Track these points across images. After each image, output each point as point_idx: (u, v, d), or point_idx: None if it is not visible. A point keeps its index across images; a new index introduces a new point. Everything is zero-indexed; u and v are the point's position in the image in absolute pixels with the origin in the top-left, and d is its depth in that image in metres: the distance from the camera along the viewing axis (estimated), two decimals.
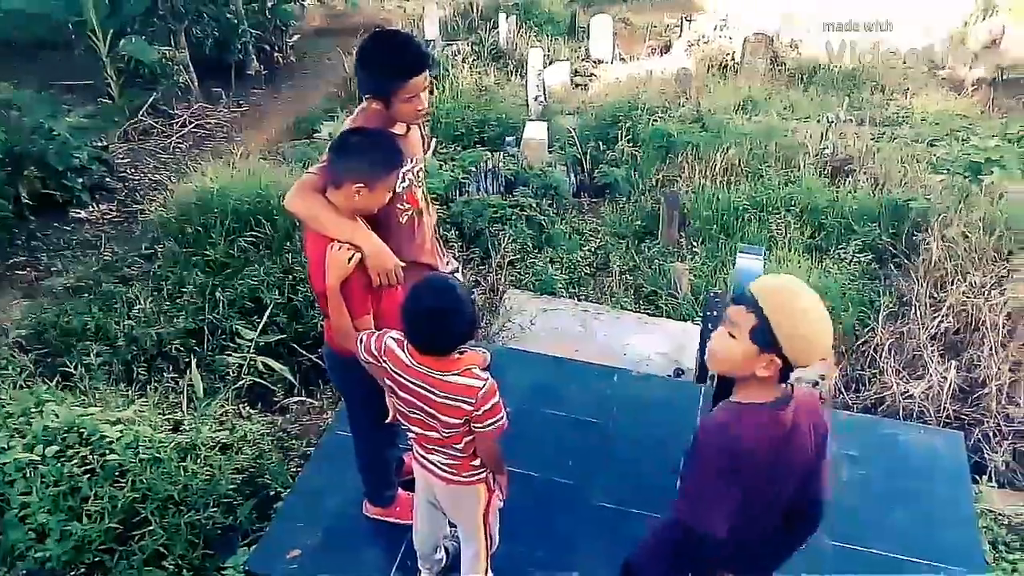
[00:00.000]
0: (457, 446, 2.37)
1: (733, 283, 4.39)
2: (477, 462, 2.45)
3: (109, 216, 7.05)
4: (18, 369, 4.60)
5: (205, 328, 5.04)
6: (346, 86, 9.89)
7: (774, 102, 9.34)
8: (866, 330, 5.15)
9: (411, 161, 2.79)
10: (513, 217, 6.46)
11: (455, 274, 3.25)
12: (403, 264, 2.59)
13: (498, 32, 11.37)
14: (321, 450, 3.70)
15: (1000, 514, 3.66)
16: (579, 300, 5.68)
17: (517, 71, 10.25)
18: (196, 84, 9.36)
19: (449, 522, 2.81)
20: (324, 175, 2.51)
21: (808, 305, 1.79)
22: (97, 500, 3.39)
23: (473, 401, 2.23)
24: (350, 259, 2.42)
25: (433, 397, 2.26)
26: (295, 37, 11.32)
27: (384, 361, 2.33)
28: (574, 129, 8.15)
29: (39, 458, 3.45)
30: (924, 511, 3.30)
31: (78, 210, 6.96)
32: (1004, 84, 10.11)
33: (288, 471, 3.78)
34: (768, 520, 2.01)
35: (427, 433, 2.38)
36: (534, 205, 6.66)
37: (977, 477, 3.86)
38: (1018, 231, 5.69)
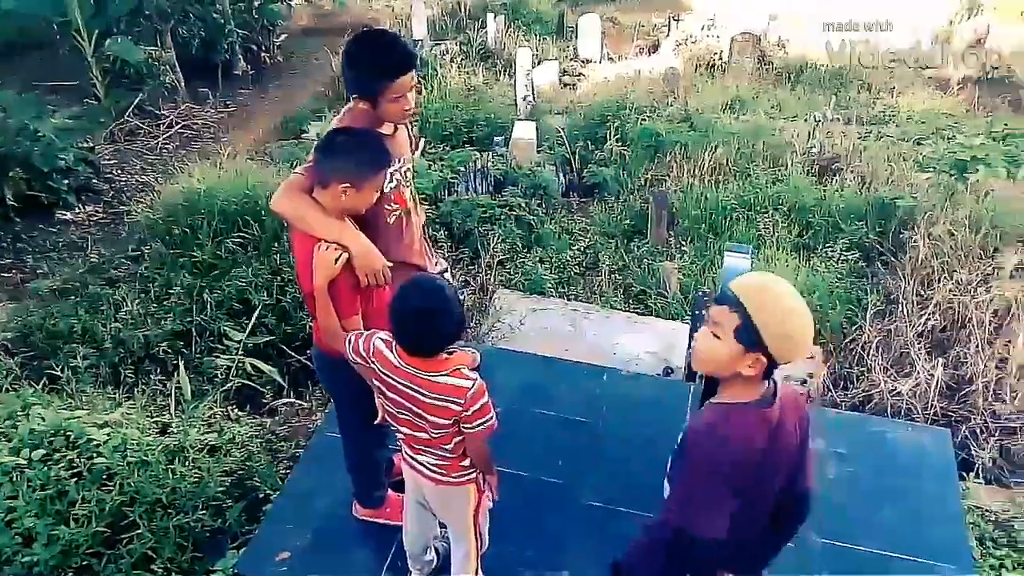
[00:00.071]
0: (446, 447, 2.37)
1: (721, 282, 4.40)
2: (467, 462, 2.45)
3: (95, 218, 7.01)
4: (4, 372, 4.56)
5: (193, 330, 5.01)
6: (334, 86, 9.85)
7: (761, 101, 9.37)
8: (854, 328, 5.18)
9: (398, 161, 2.79)
10: (502, 217, 6.46)
11: (444, 274, 3.25)
12: (391, 264, 2.58)
13: (486, 32, 11.35)
14: (310, 452, 3.69)
15: (987, 510, 3.68)
16: (568, 300, 5.68)
17: (505, 71, 10.24)
18: (183, 84, 9.30)
19: (439, 523, 2.80)
20: (311, 175, 2.50)
21: (790, 303, 1.80)
22: (85, 504, 3.37)
23: (462, 401, 2.23)
24: (337, 259, 2.41)
25: (422, 398, 2.26)
26: (282, 37, 11.26)
27: (372, 362, 2.32)
28: (563, 129, 8.15)
29: (25, 462, 3.42)
30: (912, 508, 3.32)
31: (64, 212, 6.91)
32: (989, 83, 10.18)
33: (277, 473, 3.77)
34: (760, 516, 2.02)
35: (416, 434, 2.38)
36: (523, 205, 6.66)
37: (964, 474, 3.88)
38: (1003, 228, 5.73)
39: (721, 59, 10.88)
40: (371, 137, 2.53)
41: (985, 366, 4.62)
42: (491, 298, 5.54)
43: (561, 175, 7.52)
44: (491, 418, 2.30)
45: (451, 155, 7.37)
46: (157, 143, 8.45)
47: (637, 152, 7.66)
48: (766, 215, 6.47)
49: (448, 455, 2.40)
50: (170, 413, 4.17)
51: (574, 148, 7.73)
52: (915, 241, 5.72)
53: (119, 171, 7.84)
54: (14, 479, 3.38)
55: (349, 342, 2.39)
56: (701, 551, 1.86)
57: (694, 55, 11.06)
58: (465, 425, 2.29)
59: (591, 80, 10.57)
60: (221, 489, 3.63)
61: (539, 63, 10.29)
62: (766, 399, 1.88)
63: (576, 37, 11.69)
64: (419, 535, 2.83)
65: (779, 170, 7.21)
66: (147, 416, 4.11)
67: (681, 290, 5.71)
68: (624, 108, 8.26)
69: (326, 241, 2.42)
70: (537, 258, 6.20)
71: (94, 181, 7.39)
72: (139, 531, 3.36)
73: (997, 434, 4.34)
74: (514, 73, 9.35)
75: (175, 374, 4.43)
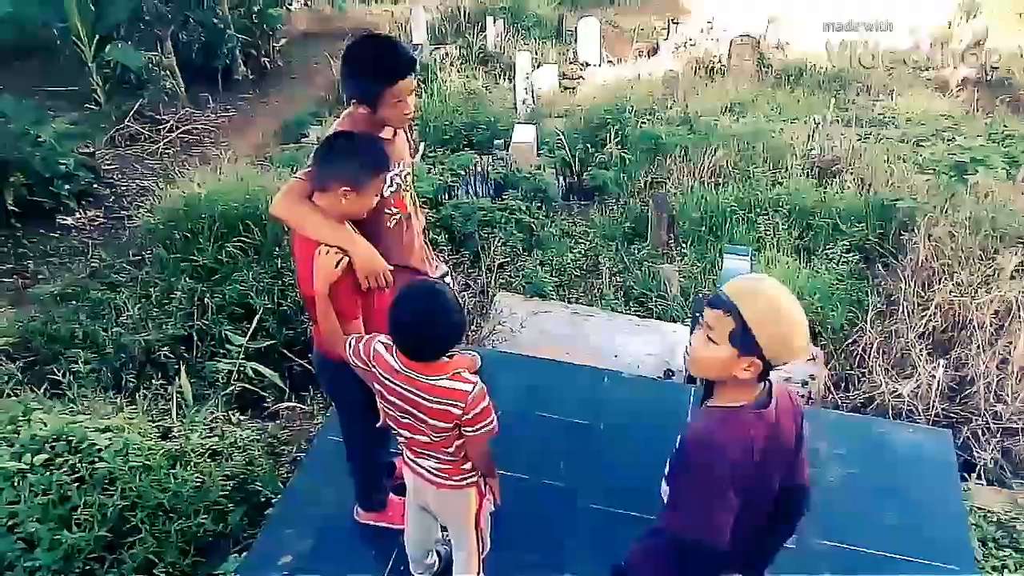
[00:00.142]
0: (447, 450, 2.37)
1: (721, 284, 4.40)
2: (468, 466, 2.44)
3: (96, 223, 7.02)
4: (5, 377, 4.56)
5: (194, 334, 5.01)
6: (333, 90, 9.88)
7: (761, 104, 9.40)
8: (854, 330, 5.18)
9: (398, 165, 2.79)
10: (503, 220, 6.46)
11: (445, 278, 3.25)
12: (391, 268, 2.59)
13: (486, 35, 11.38)
14: (312, 456, 3.69)
15: (989, 511, 3.68)
16: (569, 302, 5.68)
17: (505, 74, 10.27)
18: (183, 89, 9.33)
19: (441, 526, 2.80)
20: (310, 180, 2.50)
21: (785, 305, 1.79)
22: (87, 508, 3.36)
23: (463, 405, 2.23)
24: (338, 263, 2.41)
25: (423, 401, 2.26)
26: (282, 41, 11.30)
27: (373, 366, 2.32)
28: (563, 132, 8.17)
29: (27, 467, 3.42)
30: (914, 510, 3.31)
31: (65, 217, 6.93)
32: (988, 85, 10.20)
33: (279, 477, 3.76)
34: (759, 516, 2.02)
35: (417, 437, 2.37)
36: (523, 208, 6.67)
37: (966, 475, 3.88)
38: (1003, 230, 5.73)
39: (720, 62, 10.91)
40: (370, 141, 2.53)
41: (986, 367, 4.61)
42: (492, 301, 5.54)
43: (561, 178, 7.54)
44: (492, 421, 2.30)
45: (451, 158, 7.39)
46: (158, 148, 8.46)
47: (637, 155, 7.67)
48: (766, 217, 6.47)
49: (449, 459, 2.40)
50: (171, 417, 4.16)
51: (574, 151, 7.74)
52: (915, 242, 5.72)
53: (120, 176, 7.85)
54: (16, 484, 3.37)
55: (350, 346, 2.39)
56: (702, 554, 1.86)
57: (693, 58, 11.10)
58: (466, 429, 2.29)
59: (591, 83, 10.59)
60: (223, 493, 3.62)
61: (539, 66, 10.32)
62: (762, 400, 1.88)
63: (576, 40, 11.72)
64: (421, 539, 2.82)
65: (779, 172, 7.23)
66: (149, 420, 4.11)
67: (682, 292, 5.72)
68: (624, 111, 8.28)
69: (327, 245, 2.42)
70: (538, 261, 6.20)
71: (95, 186, 7.41)
72: (141, 535, 3.35)
73: (999, 435, 4.34)
74: (514, 76, 9.38)
75: (176, 378, 4.43)
